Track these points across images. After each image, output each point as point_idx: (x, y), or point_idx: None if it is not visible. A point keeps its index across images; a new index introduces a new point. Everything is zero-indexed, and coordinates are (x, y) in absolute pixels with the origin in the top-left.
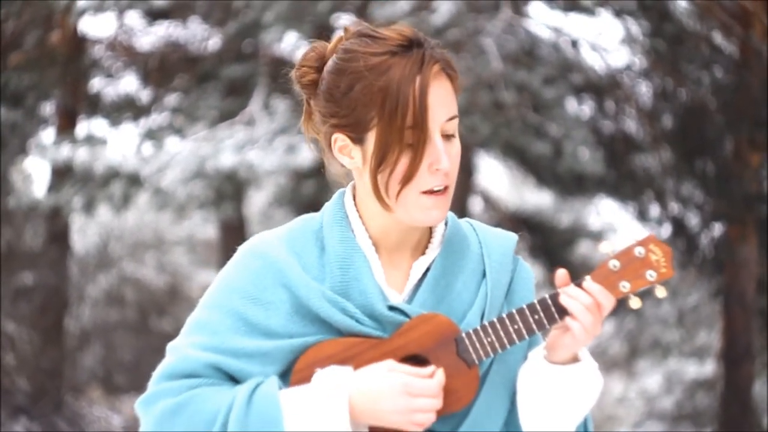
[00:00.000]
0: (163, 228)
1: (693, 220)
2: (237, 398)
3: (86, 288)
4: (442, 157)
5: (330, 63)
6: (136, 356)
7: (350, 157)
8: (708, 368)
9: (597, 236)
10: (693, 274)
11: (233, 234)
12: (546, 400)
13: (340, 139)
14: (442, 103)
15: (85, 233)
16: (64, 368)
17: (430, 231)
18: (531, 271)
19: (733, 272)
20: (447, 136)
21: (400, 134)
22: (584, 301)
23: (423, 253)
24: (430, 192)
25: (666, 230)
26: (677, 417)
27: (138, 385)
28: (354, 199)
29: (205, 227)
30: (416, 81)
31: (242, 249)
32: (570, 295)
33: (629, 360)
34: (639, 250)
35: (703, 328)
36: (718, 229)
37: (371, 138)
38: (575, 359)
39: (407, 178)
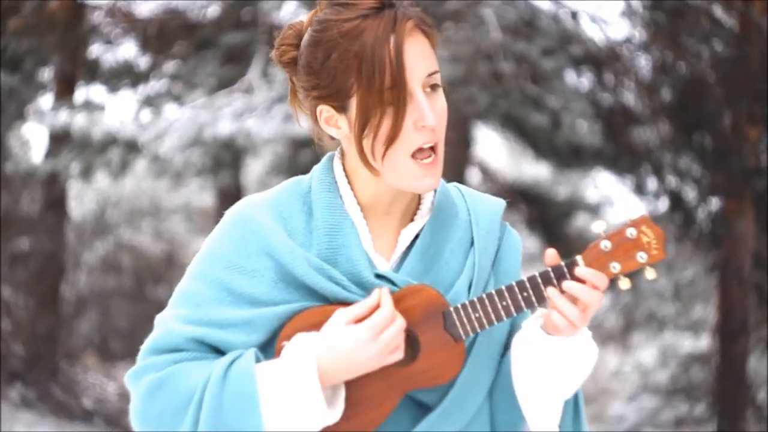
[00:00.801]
0: (160, 195)
1: (690, 193)
2: (213, 373)
3: (83, 254)
4: (426, 113)
5: (306, 37)
6: (131, 323)
7: (337, 127)
8: (703, 342)
9: (594, 209)
10: (689, 248)
11: (230, 202)
12: (540, 370)
13: (325, 111)
14: (419, 59)
15: (82, 200)
16: (59, 334)
17: (419, 197)
18: (518, 238)
19: (729, 246)
20: (431, 92)
21: (380, 96)
22: (565, 302)
23: (412, 220)
24: (420, 151)
25: (663, 204)
26: (672, 391)
27: (133, 353)
28: (343, 165)
29: (202, 195)
30: (390, 41)
31: (227, 215)
32: (568, 292)
33: (624, 333)
34: (631, 232)
35: (698, 302)
36: (715, 203)
37: (354, 104)
38: None
39: (392, 139)
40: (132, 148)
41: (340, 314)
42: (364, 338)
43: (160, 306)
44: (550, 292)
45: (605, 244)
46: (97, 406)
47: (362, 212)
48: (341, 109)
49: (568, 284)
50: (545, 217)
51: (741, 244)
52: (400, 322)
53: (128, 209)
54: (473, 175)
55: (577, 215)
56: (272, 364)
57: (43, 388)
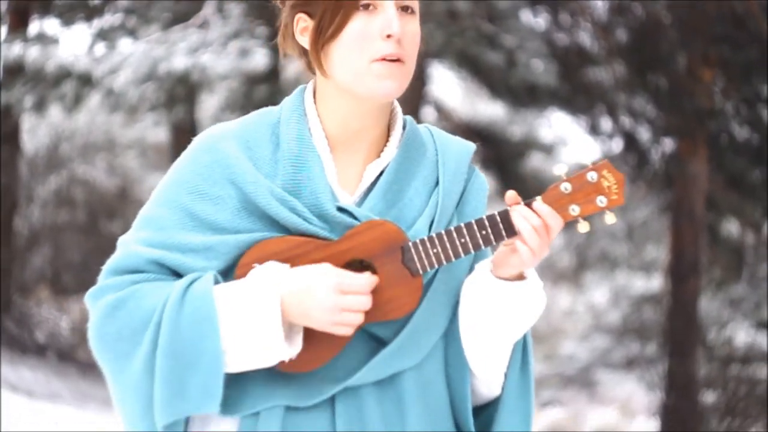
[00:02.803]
0: (114, 130)
1: (644, 134)
2: (171, 295)
3: (36, 188)
4: (393, 22)
5: None
6: (84, 258)
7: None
8: (655, 283)
9: (548, 149)
10: (643, 188)
11: (184, 138)
12: (488, 314)
13: (302, 20)
14: None
15: (35, 133)
16: (12, 268)
17: (387, 134)
18: (486, 182)
19: (682, 187)
20: (402, 13)
21: None
22: (533, 222)
23: (378, 156)
24: (383, 61)
25: (617, 144)
26: (623, 330)
27: (86, 287)
28: (314, 98)
29: (157, 130)
30: None
31: (194, 142)
32: (520, 214)
33: (577, 273)
34: (591, 175)
35: (651, 242)
36: (668, 144)
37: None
38: (521, 277)
39: (357, 43)
40: (86, 82)
41: (326, 265)
42: (327, 286)
43: (114, 241)
44: (518, 210)
45: (565, 187)
46: (49, 340)
47: (329, 146)
48: (313, 15)
49: (536, 204)
50: (500, 156)
51: (694, 185)
52: (366, 300)
53: (82, 144)
54: (428, 113)
55: (532, 155)
56: (234, 287)
57: None
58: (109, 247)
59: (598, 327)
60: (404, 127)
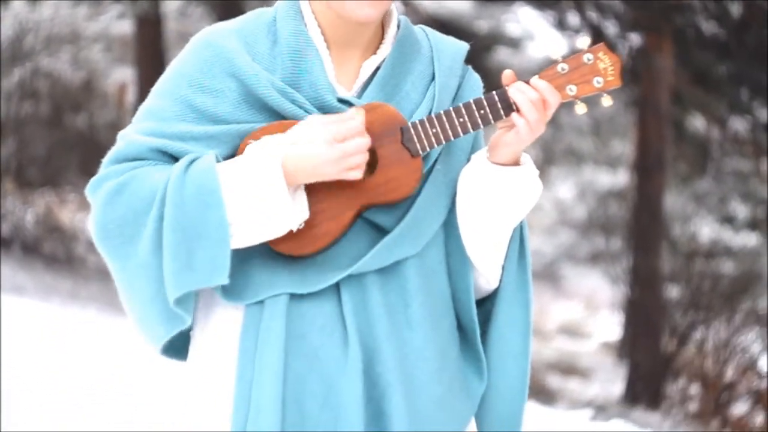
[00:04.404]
0: (78, 22)
1: (611, 29)
2: (173, 172)
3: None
4: None
5: None
6: (49, 151)
7: None
8: (620, 178)
9: (515, 43)
10: None
11: (149, 30)
12: (485, 200)
13: None
14: None
15: None
16: None
17: (382, 32)
18: (480, 80)
19: (648, 82)
20: None
21: None
22: (531, 96)
23: (374, 53)
24: None
25: (584, 39)
26: (588, 226)
27: (50, 180)
28: None
29: (121, 23)
30: None
31: (194, 39)
32: (518, 89)
33: (543, 167)
34: (588, 57)
35: (617, 137)
36: (635, 38)
37: None
38: (516, 163)
39: None
40: None
41: (312, 117)
42: (326, 139)
43: (78, 134)
44: (515, 86)
45: (562, 67)
46: (14, 233)
47: (326, 42)
48: None
49: (534, 80)
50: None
51: (660, 80)
52: (365, 140)
53: (46, 36)
54: (395, 6)
55: (498, 49)
56: (235, 161)
57: None
58: (74, 141)
59: (564, 222)
60: (398, 25)
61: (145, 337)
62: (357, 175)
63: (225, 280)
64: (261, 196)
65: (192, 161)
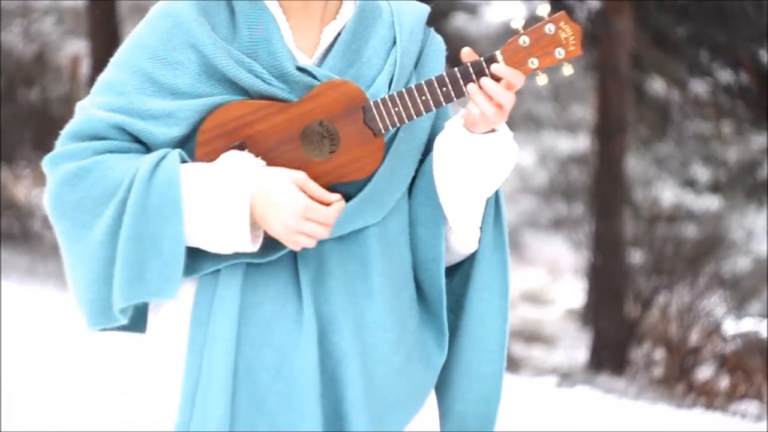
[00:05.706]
0: None
1: None
2: (138, 174)
3: None
4: None
5: None
6: (1, 126)
7: None
8: (581, 143)
9: (472, 9)
10: None
11: (102, 2)
12: (464, 168)
13: None
14: None
15: None
16: None
17: None
18: (443, 43)
19: (608, 46)
20: None
21: None
22: (494, 93)
23: (334, 19)
24: None
25: (544, 4)
26: (550, 192)
27: (4, 156)
28: None
29: None
30: None
31: (153, 9)
32: (476, 92)
33: None
34: (549, 27)
35: (577, 102)
36: (594, 2)
37: None
38: (492, 130)
39: None
40: None
41: (303, 176)
42: (295, 207)
43: (31, 108)
44: (471, 88)
45: (524, 40)
46: None
47: (284, 10)
48: None
49: (485, 81)
50: None
51: (619, 43)
52: (325, 232)
53: None
54: None
55: (456, 15)
56: (205, 174)
57: None
58: (26, 115)
59: (525, 188)
60: None
61: (81, 317)
62: (296, 248)
63: (173, 296)
64: (223, 223)
65: (158, 164)
